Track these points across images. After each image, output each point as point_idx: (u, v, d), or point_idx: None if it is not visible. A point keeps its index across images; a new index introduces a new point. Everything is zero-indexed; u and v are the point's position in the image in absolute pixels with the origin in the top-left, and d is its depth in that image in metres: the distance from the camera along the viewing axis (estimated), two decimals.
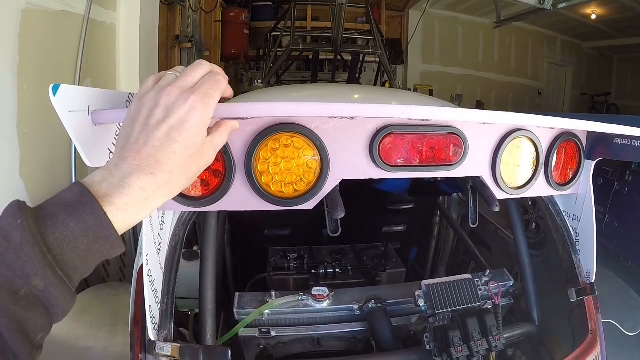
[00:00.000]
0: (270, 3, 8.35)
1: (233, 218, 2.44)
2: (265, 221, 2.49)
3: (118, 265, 3.57)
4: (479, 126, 1.20)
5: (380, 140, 1.10)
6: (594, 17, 8.19)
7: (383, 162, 1.12)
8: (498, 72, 9.94)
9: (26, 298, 0.53)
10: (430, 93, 8.54)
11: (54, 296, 0.55)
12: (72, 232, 0.56)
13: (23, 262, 0.53)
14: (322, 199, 1.13)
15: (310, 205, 1.12)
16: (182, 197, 1.07)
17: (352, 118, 1.08)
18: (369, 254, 2.26)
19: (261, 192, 1.09)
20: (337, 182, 1.12)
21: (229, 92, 0.75)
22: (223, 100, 0.75)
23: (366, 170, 1.13)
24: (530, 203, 5.12)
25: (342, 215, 1.09)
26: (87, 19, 3.21)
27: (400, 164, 1.14)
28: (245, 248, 2.62)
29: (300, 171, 1.10)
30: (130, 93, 0.92)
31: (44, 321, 0.56)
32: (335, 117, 1.07)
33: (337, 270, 2.05)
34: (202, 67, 0.71)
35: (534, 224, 5.04)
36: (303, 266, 2.09)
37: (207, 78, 0.70)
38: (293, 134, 1.06)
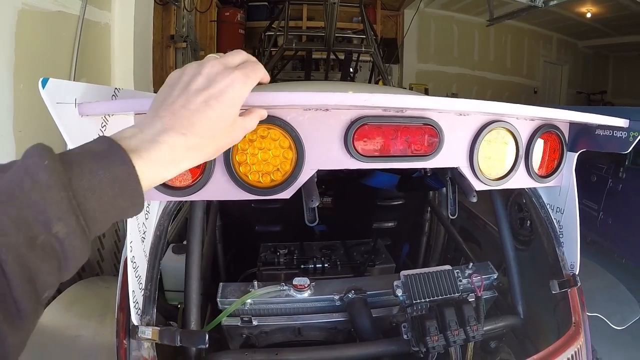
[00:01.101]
0: (266, 3, 8.36)
1: (225, 215, 2.46)
2: (256, 218, 2.51)
3: (112, 262, 3.59)
4: (455, 117, 1.21)
5: (355, 131, 1.12)
6: (589, 15, 8.21)
7: (357, 152, 1.14)
8: (494, 71, 9.96)
9: (42, 247, 0.49)
10: (426, 92, 8.55)
11: (73, 246, 0.51)
12: (99, 180, 0.54)
13: (47, 204, 0.49)
14: (299, 189, 1.15)
15: (287, 194, 1.15)
16: (165, 187, 1.10)
17: (327, 110, 1.11)
18: (358, 250, 2.27)
19: (239, 182, 1.11)
20: (313, 172, 1.14)
21: (267, 78, 0.78)
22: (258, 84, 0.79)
23: (341, 160, 1.15)
24: (524, 201, 5.11)
25: (317, 204, 1.12)
26: (82, 19, 3.26)
27: (374, 155, 1.16)
28: (238, 244, 2.65)
29: (277, 161, 1.13)
30: (116, 88, 0.96)
31: (53, 277, 0.52)
32: (310, 109, 1.10)
33: (326, 265, 2.06)
34: (242, 54, 0.75)
35: (528, 222, 5.05)
36: (292, 261, 2.10)
37: (248, 63, 0.73)
38: (270, 125, 1.09)
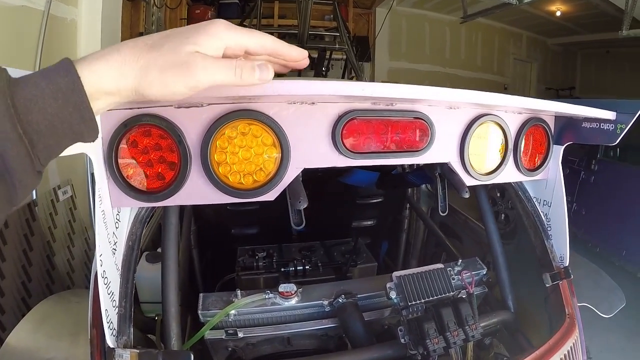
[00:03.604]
0: (237, 0, 8.23)
1: (199, 219, 2.37)
2: (232, 220, 2.44)
3: (83, 272, 3.45)
4: (446, 110, 1.17)
5: (343, 126, 1.06)
6: (558, 14, 8.35)
7: (346, 149, 1.07)
8: (465, 68, 10.04)
9: None
10: None
11: (10, 156, 0.51)
12: (41, 91, 0.53)
13: None
14: (284, 190, 1.08)
15: (271, 196, 1.07)
16: (137, 192, 1.01)
17: (313, 103, 1.05)
18: (339, 250, 2.24)
19: (219, 183, 1.04)
20: (298, 171, 1.08)
21: (295, 52, 0.74)
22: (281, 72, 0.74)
23: (329, 158, 1.09)
24: (498, 194, 5.20)
25: (305, 206, 1.05)
26: (46, 14, 3.14)
27: (364, 151, 1.10)
28: (214, 249, 2.57)
29: (260, 160, 1.05)
30: None
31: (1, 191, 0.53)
32: (295, 103, 1.03)
33: (307, 267, 2.02)
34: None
35: (503, 215, 5.13)
36: (272, 264, 2.05)
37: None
38: (251, 121, 1.01)
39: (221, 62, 0.64)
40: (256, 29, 5.26)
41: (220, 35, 0.63)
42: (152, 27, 5.79)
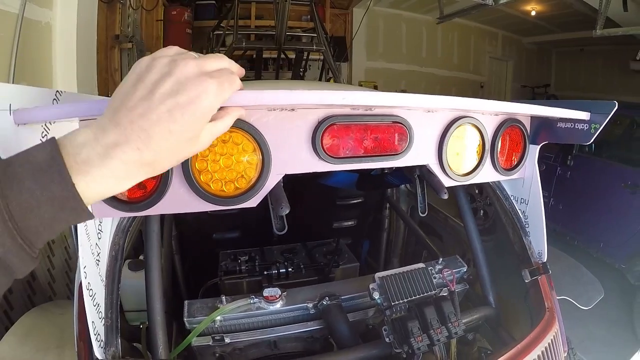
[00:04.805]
0: (214, 1, 8.16)
1: (180, 224, 2.36)
2: (213, 225, 2.43)
3: (65, 282, 3.38)
4: (423, 114, 1.19)
5: (323, 132, 1.06)
6: (533, 13, 8.51)
7: (327, 154, 1.08)
8: (441, 67, 10.15)
9: None
10: (375, 89, 8.61)
11: (12, 262, 0.53)
12: (37, 200, 0.52)
13: None
14: (266, 196, 1.08)
15: (253, 203, 1.07)
16: (118, 202, 0.99)
17: (293, 110, 1.05)
18: (320, 251, 2.25)
19: (201, 191, 1.02)
20: (279, 178, 1.08)
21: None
22: None
23: (310, 163, 1.09)
24: (477, 191, 5.28)
25: (287, 212, 1.05)
26: (21, 17, 3.08)
27: (344, 156, 1.11)
28: (196, 254, 2.55)
29: (241, 168, 1.04)
30: (57, 90, 0.84)
31: (3, 280, 0.54)
32: (275, 110, 1.03)
33: (290, 269, 2.03)
34: (223, 60, 0.67)
35: (482, 211, 5.21)
36: (255, 268, 2.05)
37: (226, 72, 0.65)
38: (232, 128, 1.00)
39: (216, 125, 0.68)
40: (233, 30, 5.24)
41: (215, 105, 0.63)
42: (128, 29, 5.70)
